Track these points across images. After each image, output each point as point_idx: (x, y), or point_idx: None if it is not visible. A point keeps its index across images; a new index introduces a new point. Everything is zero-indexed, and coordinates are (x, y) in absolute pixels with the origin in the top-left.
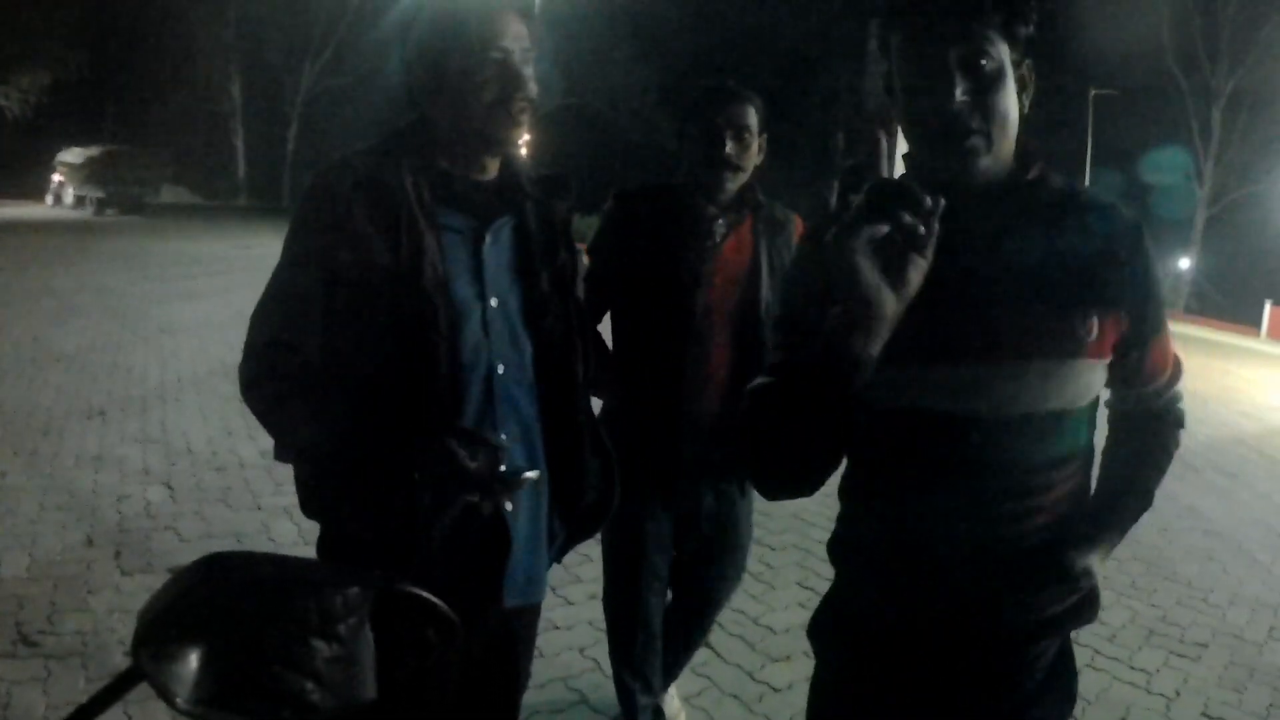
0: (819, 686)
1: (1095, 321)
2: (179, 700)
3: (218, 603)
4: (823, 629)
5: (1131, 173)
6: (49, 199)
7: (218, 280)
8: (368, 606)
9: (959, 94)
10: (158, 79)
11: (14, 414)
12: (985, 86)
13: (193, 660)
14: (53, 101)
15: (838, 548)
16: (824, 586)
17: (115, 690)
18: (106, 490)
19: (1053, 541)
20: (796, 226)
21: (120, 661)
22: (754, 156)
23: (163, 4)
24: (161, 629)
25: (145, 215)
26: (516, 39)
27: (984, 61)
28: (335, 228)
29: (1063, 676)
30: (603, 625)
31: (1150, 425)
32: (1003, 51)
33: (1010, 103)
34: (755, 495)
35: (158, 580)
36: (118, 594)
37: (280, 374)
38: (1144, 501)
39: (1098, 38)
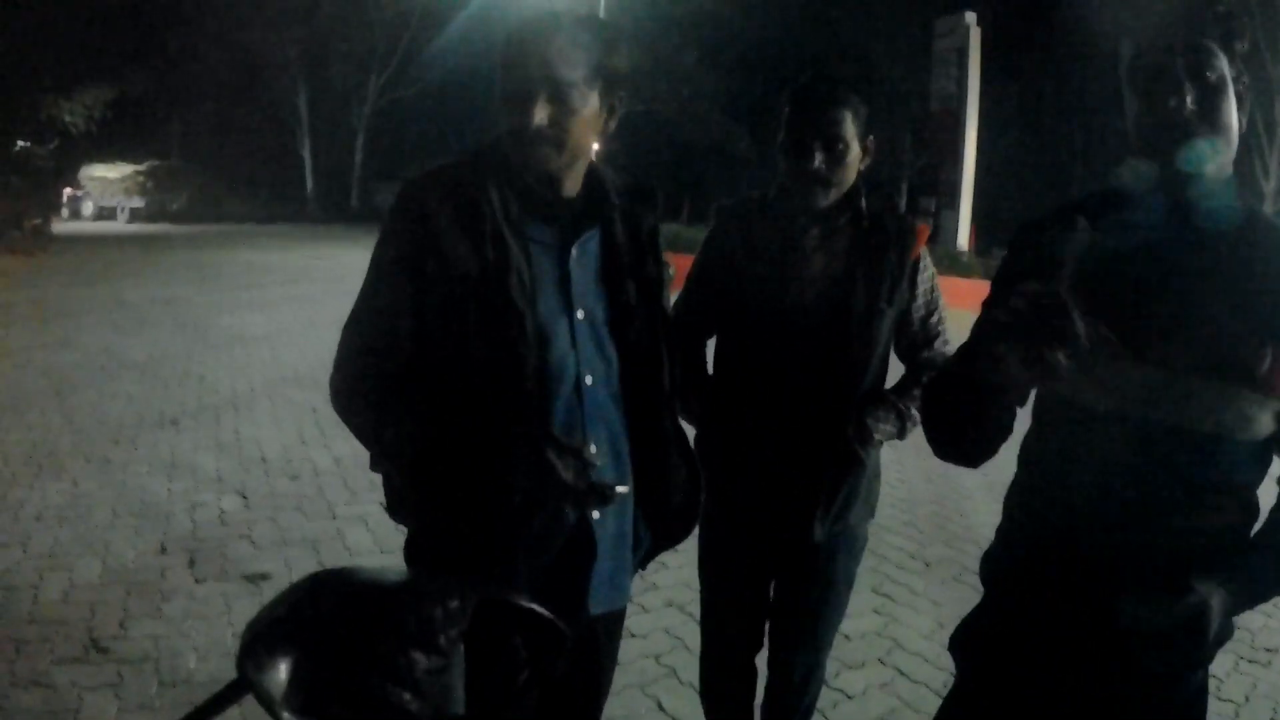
0: (958, 699)
1: (1269, 354)
2: (284, 713)
3: (323, 616)
4: (968, 643)
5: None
6: (64, 212)
7: (288, 290)
8: (468, 618)
9: (1189, 102)
10: (224, 94)
11: (86, 423)
12: (1211, 97)
13: (295, 671)
14: (116, 118)
15: (992, 564)
16: (899, 593)
17: (221, 700)
18: (180, 498)
19: (1185, 563)
20: (919, 237)
21: (194, 668)
22: (853, 166)
23: (228, 20)
24: (267, 641)
25: (171, 222)
26: (543, 66)
27: (1208, 72)
28: (422, 240)
29: None
30: (678, 633)
31: None
32: (1223, 64)
33: (1233, 115)
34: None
35: (232, 587)
36: (191, 601)
37: (373, 384)
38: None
39: (1157, 30)
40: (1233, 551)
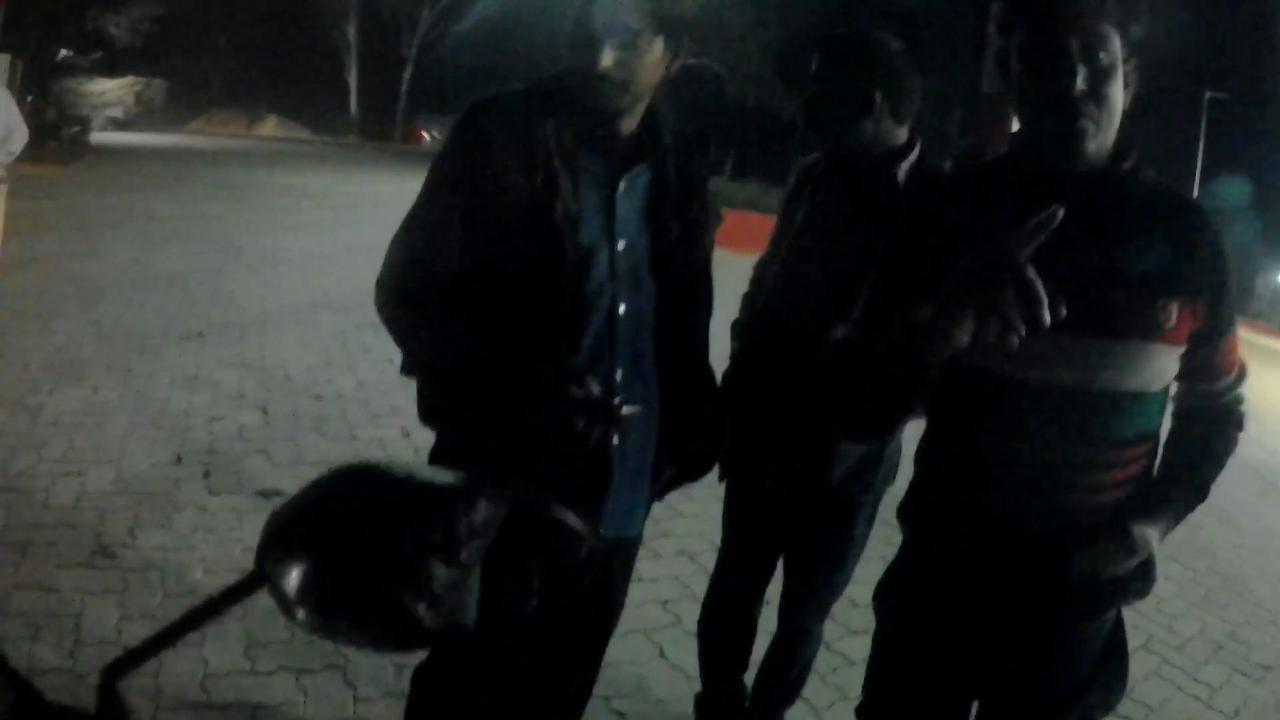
0: (879, 652)
1: (1174, 309)
2: (298, 611)
3: (347, 514)
4: (888, 594)
5: (1245, 176)
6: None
7: (325, 215)
8: (493, 532)
9: (1079, 82)
10: (273, 16)
11: (111, 332)
12: (1100, 77)
13: (313, 571)
14: (164, 33)
15: (910, 511)
16: None
17: (236, 593)
18: (199, 412)
19: (1116, 512)
20: None
21: (200, 580)
22: (885, 127)
23: None
24: (288, 537)
25: (151, 132)
26: (613, 13)
27: (1101, 54)
28: (477, 160)
29: (1116, 660)
30: (688, 581)
31: (1212, 422)
32: (1116, 46)
33: (1118, 95)
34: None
35: (245, 502)
36: (202, 513)
37: (416, 292)
38: (1201, 492)
39: (1212, 41)
40: (1148, 486)
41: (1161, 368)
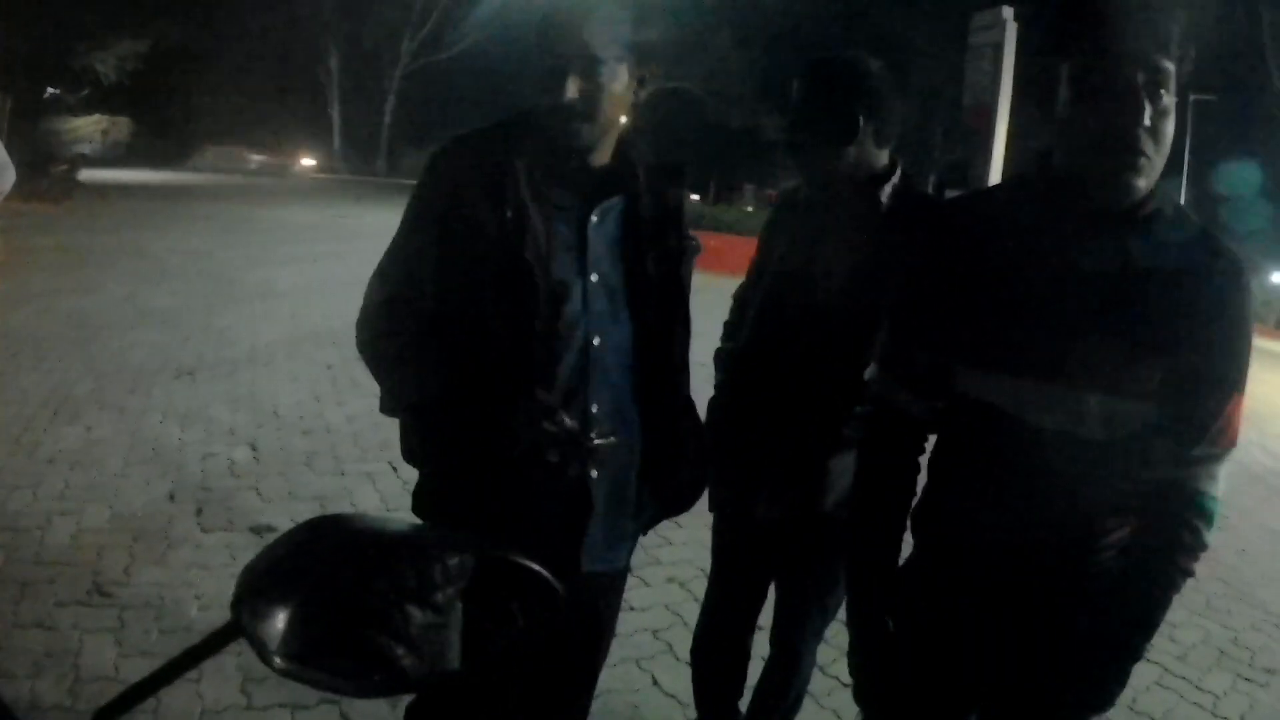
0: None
1: (1160, 365)
2: (275, 659)
3: (321, 564)
4: (895, 601)
5: (1226, 179)
6: None
7: (312, 248)
8: (466, 577)
9: (1145, 119)
10: (255, 50)
11: (104, 369)
12: (1162, 115)
13: (290, 619)
14: (149, 70)
15: (921, 516)
16: None
17: (213, 643)
18: (192, 448)
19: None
20: None
21: (195, 616)
22: (869, 152)
23: None
24: (263, 587)
25: (121, 168)
26: (575, 43)
27: (1164, 91)
28: (450, 197)
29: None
30: (678, 609)
31: (1171, 526)
32: (1174, 83)
33: (1171, 133)
34: None
35: (238, 539)
36: (197, 550)
37: (394, 330)
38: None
39: (1195, 42)
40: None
41: (1139, 420)
